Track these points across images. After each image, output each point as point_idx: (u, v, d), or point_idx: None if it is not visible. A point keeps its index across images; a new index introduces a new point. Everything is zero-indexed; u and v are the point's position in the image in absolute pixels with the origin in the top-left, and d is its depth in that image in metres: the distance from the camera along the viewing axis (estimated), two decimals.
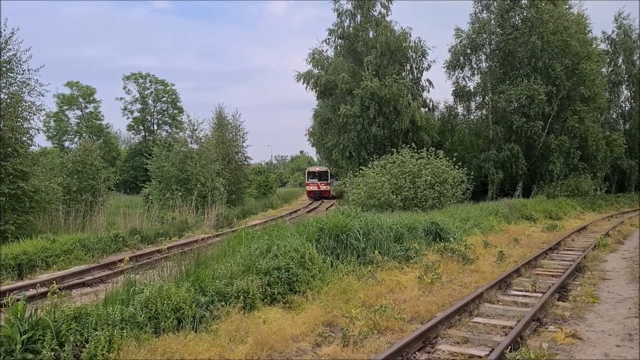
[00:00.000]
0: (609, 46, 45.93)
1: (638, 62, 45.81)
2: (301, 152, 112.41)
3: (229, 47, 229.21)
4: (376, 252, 11.72)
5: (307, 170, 57.94)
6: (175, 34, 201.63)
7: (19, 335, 5.69)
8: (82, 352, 5.77)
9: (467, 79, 39.32)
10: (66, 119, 64.68)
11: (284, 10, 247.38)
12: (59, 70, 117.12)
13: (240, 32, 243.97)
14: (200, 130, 31.06)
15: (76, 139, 59.96)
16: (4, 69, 17.75)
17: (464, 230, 17.19)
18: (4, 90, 17.77)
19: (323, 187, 52.80)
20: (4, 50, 17.84)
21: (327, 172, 53.50)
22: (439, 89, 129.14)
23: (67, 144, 61.68)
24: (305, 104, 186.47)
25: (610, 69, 45.45)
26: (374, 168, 25.22)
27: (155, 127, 69.13)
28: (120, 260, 13.74)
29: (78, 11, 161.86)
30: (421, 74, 38.26)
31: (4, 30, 17.89)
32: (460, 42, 37.79)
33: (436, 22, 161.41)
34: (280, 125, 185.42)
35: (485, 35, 36.94)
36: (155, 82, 67.70)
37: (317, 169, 56.38)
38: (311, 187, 53.73)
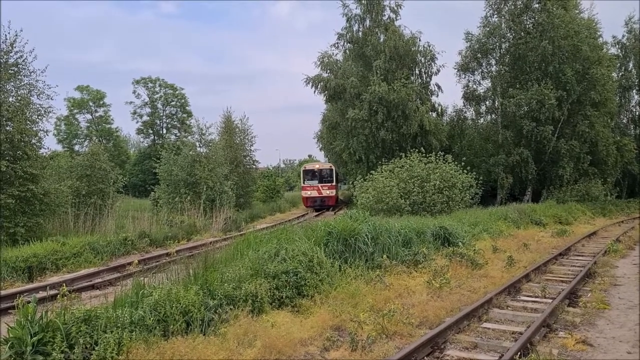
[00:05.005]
0: (619, 50, 45.58)
1: None
2: (310, 156, 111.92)
3: (233, 50, 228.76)
4: (384, 256, 11.68)
5: (302, 169, 41.55)
6: (179, 37, 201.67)
7: (29, 337, 5.74)
8: (92, 354, 5.79)
9: (477, 83, 39.28)
10: (76, 122, 65.20)
11: (287, 12, 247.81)
12: (64, 73, 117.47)
13: (244, 34, 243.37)
14: (209, 134, 31.25)
15: (86, 143, 60.35)
16: (11, 71, 17.80)
17: (473, 234, 17.10)
18: (12, 94, 17.85)
19: (326, 192, 38.49)
20: (11, 53, 17.86)
21: (332, 170, 39.43)
22: (448, 93, 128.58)
23: (77, 147, 62.10)
24: (313, 108, 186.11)
25: (620, 74, 45.17)
26: (382, 172, 25.19)
27: (165, 131, 69.49)
28: (129, 263, 13.81)
29: (82, 14, 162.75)
30: (430, 79, 38.37)
31: (8, 33, 17.71)
32: (470, 45, 37.71)
33: (445, 25, 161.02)
34: (288, 129, 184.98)
35: (495, 39, 36.81)
36: (164, 86, 68.19)
37: (317, 166, 41.19)
38: (309, 192, 38.92)
